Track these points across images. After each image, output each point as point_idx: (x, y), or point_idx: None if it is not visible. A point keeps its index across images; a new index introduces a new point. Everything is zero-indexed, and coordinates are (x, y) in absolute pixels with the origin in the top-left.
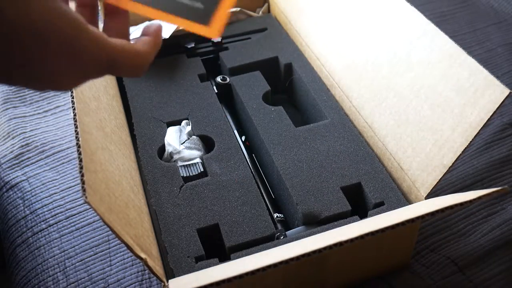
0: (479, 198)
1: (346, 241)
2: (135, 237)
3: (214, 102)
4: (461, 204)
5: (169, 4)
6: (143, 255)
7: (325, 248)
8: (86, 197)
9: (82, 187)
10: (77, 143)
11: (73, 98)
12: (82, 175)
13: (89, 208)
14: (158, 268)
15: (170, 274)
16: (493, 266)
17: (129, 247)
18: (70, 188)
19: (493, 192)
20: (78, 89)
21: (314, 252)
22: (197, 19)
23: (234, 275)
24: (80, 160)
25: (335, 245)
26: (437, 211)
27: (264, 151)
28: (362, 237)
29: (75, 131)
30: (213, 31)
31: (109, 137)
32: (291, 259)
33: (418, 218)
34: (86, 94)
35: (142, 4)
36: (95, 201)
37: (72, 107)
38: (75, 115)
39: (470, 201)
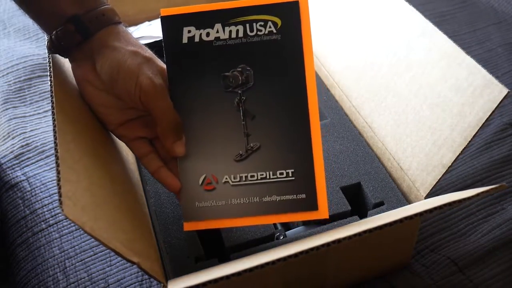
0: (477, 195)
1: (344, 239)
2: (126, 241)
3: None
4: (459, 201)
5: (260, 201)
6: (135, 259)
7: (323, 246)
8: (62, 210)
9: (59, 199)
10: (55, 155)
11: (53, 107)
12: (60, 187)
13: None
14: (157, 269)
15: (170, 274)
16: (493, 266)
17: (118, 253)
18: None
19: (491, 189)
20: (60, 94)
21: (312, 249)
22: (304, 209)
23: (232, 273)
24: (58, 172)
25: (333, 242)
26: (435, 208)
27: None
28: (359, 234)
29: (54, 142)
30: (323, 212)
31: (105, 139)
32: (289, 256)
33: (416, 215)
34: (74, 100)
35: (230, 218)
36: (75, 212)
37: (53, 118)
38: (55, 126)
39: (469, 198)
